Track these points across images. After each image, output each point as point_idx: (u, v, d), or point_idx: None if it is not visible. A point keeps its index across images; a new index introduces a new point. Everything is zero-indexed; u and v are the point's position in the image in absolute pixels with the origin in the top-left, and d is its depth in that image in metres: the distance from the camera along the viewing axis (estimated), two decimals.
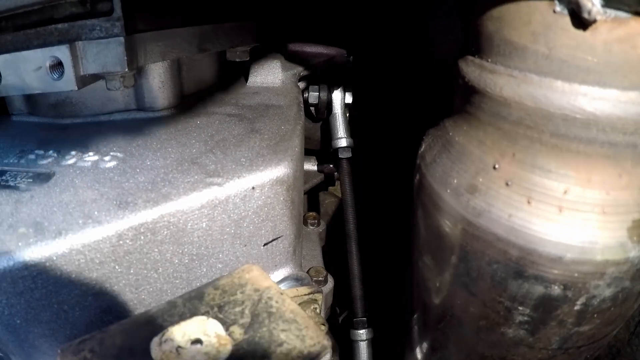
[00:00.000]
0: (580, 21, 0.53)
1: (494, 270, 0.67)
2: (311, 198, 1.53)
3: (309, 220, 1.30)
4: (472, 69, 0.67)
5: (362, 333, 1.19)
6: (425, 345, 0.97)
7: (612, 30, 0.53)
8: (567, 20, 0.55)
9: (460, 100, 0.72)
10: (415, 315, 0.96)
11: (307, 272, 1.02)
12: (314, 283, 1.00)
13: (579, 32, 0.54)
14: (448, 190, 0.71)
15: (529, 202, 0.63)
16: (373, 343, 1.21)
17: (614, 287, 0.64)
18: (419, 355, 1.01)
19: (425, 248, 0.82)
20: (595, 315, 0.68)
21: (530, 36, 0.58)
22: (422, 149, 0.82)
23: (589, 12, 0.51)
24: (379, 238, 1.45)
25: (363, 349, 1.20)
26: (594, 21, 0.53)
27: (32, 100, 0.96)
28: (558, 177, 0.61)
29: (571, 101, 0.57)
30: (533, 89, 0.59)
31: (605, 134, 0.58)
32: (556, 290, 0.64)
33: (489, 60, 0.65)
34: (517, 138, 0.63)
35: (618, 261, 0.62)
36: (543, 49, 0.58)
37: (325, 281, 1.06)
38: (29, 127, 0.94)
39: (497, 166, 0.65)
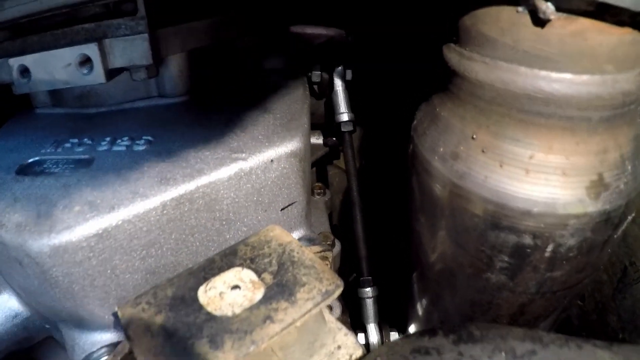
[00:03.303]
0: (538, 19, 0.61)
1: (475, 224, 0.75)
2: (318, 171, 1.54)
3: (315, 191, 1.33)
4: (454, 56, 0.74)
5: (368, 291, 1.21)
6: (424, 299, 1.04)
7: (564, 26, 0.61)
8: (528, 18, 0.62)
9: (444, 81, 0.78)
10: (414, 272, 1.03)
11: None
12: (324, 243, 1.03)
13: (538, 28, 0.62)
14: (436, 158, 0.78)
15: (501, 166, 0.70)
16: (378, 300, 1.22)
17: (577, 237, 0.72)
18: (419, 308, 1.08)
19: (420, 209, 0.89)
20: (565, 262, 0.75)
21: (499, 31, 0.66)
22: (414, 123, 0.88)
23: (544, 13, 0.59)
24: (380, 204, 1.47)
25: (370, 306, 1.22)
26: (549, 20, 0.60)
27: (56, 93, 0.97)
28: (525, 145, 0.69)
29: (533, 83, 0.65)
30: (502, 73, 0.67)
31: (562, 109, 0.65)
32: (527, 239, 0.72)
33: (467, 49, 0.72)
34: (491, 113, 0.71)
35: (578, 214, 0.69)
36: (509, 41, 0.65)
37: (333, 245, 1.09)
38: (56, 118, 0.96)
39: (475, 136, 0.73)
